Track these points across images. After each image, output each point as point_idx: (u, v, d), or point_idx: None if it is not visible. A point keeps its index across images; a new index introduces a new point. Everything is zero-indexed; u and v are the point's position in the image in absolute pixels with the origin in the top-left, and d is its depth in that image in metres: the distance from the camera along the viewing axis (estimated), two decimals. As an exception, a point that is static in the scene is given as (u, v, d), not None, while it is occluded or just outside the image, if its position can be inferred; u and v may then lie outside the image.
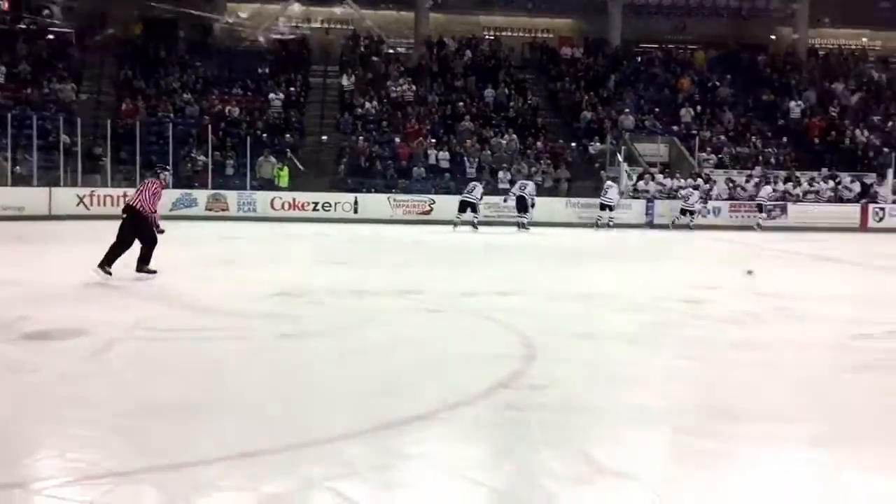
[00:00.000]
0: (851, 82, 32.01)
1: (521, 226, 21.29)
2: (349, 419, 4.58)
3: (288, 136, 26.07)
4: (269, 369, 5.90)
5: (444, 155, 25.71)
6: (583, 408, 4.93)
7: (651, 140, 27.85)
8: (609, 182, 23.15)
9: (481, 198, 21.30)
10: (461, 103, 28.25)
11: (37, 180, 22.26)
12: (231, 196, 23.25)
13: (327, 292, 9.33)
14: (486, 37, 34.31)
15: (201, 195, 23.06)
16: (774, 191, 24.64)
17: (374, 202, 23.64)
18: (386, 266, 12.68)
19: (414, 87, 28.74)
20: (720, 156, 27.33)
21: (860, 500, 3.72)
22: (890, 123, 29.57)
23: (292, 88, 28.27)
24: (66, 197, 21.85)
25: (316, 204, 23.39)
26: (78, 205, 21.68)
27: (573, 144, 27.69)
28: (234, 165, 24.73)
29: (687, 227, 22.51)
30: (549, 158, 26.19)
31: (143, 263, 9.94)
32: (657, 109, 29.30)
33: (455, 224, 20.80)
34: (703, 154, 27.09)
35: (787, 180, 25.38)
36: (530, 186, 21.96)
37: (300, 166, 25.00)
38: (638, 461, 4.03)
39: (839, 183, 25.66)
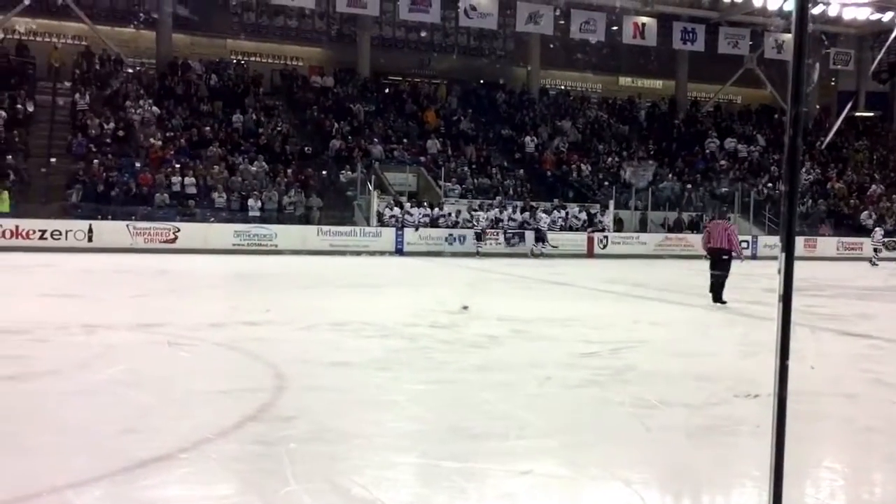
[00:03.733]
0: (578, 120, 35.18)
1: None
2: (80, 465, 4.21)
3: (10, 157, 23.72)
4: (-17, 417, 5.28)
5: (190, 181, 24.72)
6: (332, 437, 4.91)
7: (400, 169, 28.71)
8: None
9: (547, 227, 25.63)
10: (208, 128, 27.37)
11: None
12: (-61, 223, 20.78)
13: (55, 328, 8.57)
14: (234, 61, 33.63)
15: None
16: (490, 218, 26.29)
17: (112, 230, 22.15)
18: (123, 298, 11.88)
19: (156, 110, 27.40)
20: (464, 186, 28.78)
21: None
22: (609, 159, 32.83)
23: (18, 106, 25.82)
24: None
25: (43, 232, 21.51)
26: None
27: (324, 173, 27.80)
28: (-57, 189, 22.10)
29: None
30: (300, 187, 26.08)
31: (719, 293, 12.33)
32: (405, 140, 30.28)
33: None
34: (449, 184, 28.37)
35: (523, 210, 27.26)
36: None
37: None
38: (386, 487, 4.08)
39: (568, 213, 28.00)
